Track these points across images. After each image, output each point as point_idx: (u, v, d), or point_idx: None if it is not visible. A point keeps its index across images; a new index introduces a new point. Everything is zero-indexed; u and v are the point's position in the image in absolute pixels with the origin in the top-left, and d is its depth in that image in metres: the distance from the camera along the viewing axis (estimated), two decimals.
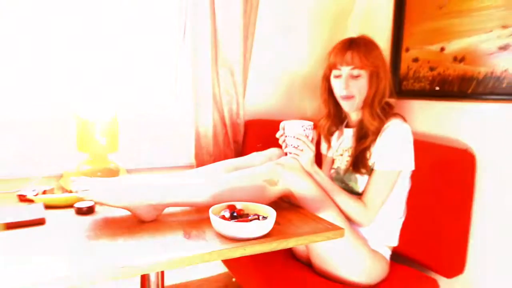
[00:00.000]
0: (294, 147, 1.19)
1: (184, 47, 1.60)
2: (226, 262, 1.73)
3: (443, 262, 1.32)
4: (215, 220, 0.88)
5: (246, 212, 0.97)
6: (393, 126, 1.23)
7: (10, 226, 0.92)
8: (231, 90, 1.59)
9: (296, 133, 1.19)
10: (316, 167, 1.23)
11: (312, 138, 1.21)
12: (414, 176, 1.33)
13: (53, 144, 1.43)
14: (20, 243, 0.83)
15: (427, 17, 1.56)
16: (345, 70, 1.27)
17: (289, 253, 1.42)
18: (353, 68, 1.26)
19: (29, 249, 0.79)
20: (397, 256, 1.38)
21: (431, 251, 1.34)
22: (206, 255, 0.80)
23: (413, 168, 1.25)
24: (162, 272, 0.96)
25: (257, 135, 1.69)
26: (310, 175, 1.18)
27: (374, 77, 1.26)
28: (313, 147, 1.19)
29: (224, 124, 1.63)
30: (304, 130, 1.19)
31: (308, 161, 1.20)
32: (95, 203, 1.00)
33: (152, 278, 0.93)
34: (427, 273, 1.35)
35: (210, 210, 0.91)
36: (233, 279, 1.85)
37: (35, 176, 1.32)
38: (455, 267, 1.31)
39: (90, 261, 0.74)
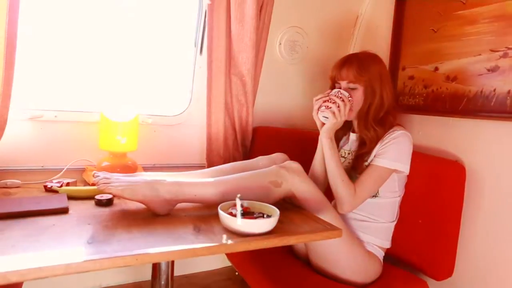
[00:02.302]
0: (329, 109, 1.19)
1: (200, 58, 1.60)
2: (230, 257, 1.71)
3: (434, 265, 1.29)
4: (223, 216, 0.87)
5: (252, 210, 0.95)
6: (396, 132, 1.23)
7: (37, 213, 0.91)
8: (242, 98, 1.58)
9: (343, 95, 1.21)
10: (333, 139, 1.24)
11: (350, 109, 1.22)
12: (409, 183, 1.31)
13: (78, 141, 1.42)
14: (45, 229, 0.82)
15: (423, 39, 1.55)
16: (342, 84, 1.27)
17: (290, 251, 1.40)
18: (349, 82, 1.25)
19: (52, 235, 0.79)
20: (390, 257, 1.35)
21: (423, 255, 1.32)
22: (213, 248, 0.79)
23: (407, 172, 1.23)
24: (172, 262, 0.95)
25: (264, 140, 1.69)
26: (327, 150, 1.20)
27: (369, 91, 1.25)
28: (344, 117, 1.20)
29: (234, 129, 1.62)
30: (349, 98, 1.21)
31: (332, 127, 1.22)
32: (114, 196, 0.99)
33: (163, 267, 0.92)
34: (418, 275, 1.32)
35: (219, 206, 0.90)
36: (236, 273, 1.82)
37: (60, 169, 1.32)
38: (444, 270, 1.28)
39: (107, 249, 0.73)
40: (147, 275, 1.58)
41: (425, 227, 1.32)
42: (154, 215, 0.96)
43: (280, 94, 1.84)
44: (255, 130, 1.71)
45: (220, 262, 1.88)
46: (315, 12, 1.83)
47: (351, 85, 1.25)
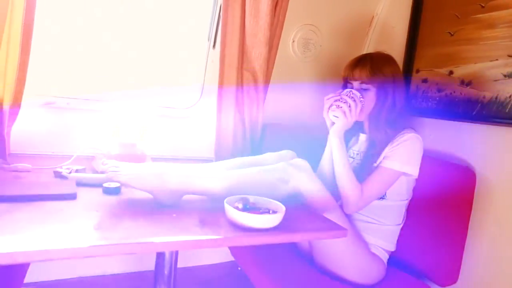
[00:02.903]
0: (340, 108, 1.19)
1: (213, 52, 1.60)
2: (234, 252, 1.71)
3: (438, 270, 1.27)
4: (229, 209, 0.86)
5: (258, 205, 0.95)
6: (407, 135, 1.21)
7: (45, 197, 0.92)
8: (253, 94, 1.58)
9: (355, 95, 1.20)
10: (342, 139, 1.22)
11: (361, 110, 1.21)
12: (417, 187, 1.30)
13: (88, 129, 1.44)
14: (53, 213, 0.82)
15: (439, 42, 1.52)
16: (355, 84, 1.25)
17: (293, 249, 1.39)
18: (361, 83, 1.24)
19: (60, 219, 0.79)
20: (394, 261, 1.33)
21: (427, 259, 1.30)
22: (218, 241, 0.79)
23: (416, 175, 1.22)
24: (176, 253, 0.95)
25: (273, 137, 1.68)
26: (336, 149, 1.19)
27: (382, 92, 1.24)
28: (354, 117, 1.19)
29: (244, 125, 1.61)
30: (360, 99, 1.20)
31: (342, 127, 1.21)
32: (122, 184, 1.00)
33: (167, 257, 0.92)
34: (422, 280, 1.30)
35: (225, 200, 0.89)
36: (239, 268, 1.82)
37: (70, 155, 1.33)
38: (449, 276, 1.26)
39: (113, 235, 0.73)
40: (151, 265, 1.59)
41: (431, 231, 1.31)
42: (160, 206, 0.96)
43: (291, 92, 1.83)
44: (265, 127, 1.71)
45: (223, 256, 1.88)
46: (330, 10, 1.81)
47: (364, 86, 1.24)
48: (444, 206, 1.29)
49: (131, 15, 1.53)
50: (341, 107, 1.19)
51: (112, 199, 0.98)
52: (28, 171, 1.21)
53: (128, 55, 1.55)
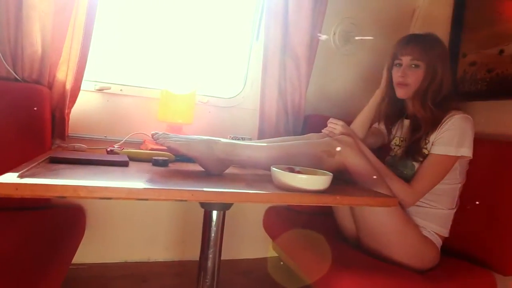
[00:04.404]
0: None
1: (256, 43, 1.64)
2: (275, 246, 1.68)
3: (500, 258, 1.17)
4: (276, 172, 0.85)
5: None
6: (455, 116, 1.16)
7: (101, 163, 0.96)
8: (295, 82, 1.58)
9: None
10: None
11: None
12: (471, 171, 1.22)
13: (139, 115, 1.50)
14: (109, 173, 0.86)
15: (486, 23, 1.48)
16: (405, 60, 1.23)
17: (337, 236, 1.35)
18: (412, 59, 1.21)
19: (116, 176, 0.82)
20: (447, 249, 1.25)
21: (486, 247, 1.20)
22: (267, 196, 0.78)
23: (471, 156, 1.15)
24: (223, 215, 0.94)
25: (315, 128, 1.65)
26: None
27: (430, 71, 1.20)
28: (340, 122, 1.21)
29: (287, 114, 1.62)
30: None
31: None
32: (170, 149, 1.00)
33: (214, 220, 0.92)
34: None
35: (272, 166, 0.89)
36: (281, 263, 1.79)
37: (121, 140, 1.39)
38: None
39: (163, 186, 0.75)
40: (194, 255, 1.60)
41: (488, 217, 1.22)
42: (207, 175, 0.97)
43: (332, 84, 1.82)
44: (307, 118, 1.70)
45: (265, 252, 1.85)
46: (371, 4, 1.81)
47: (414, 62, 1.21)
48: (502, 189, 1.20)
49: (183, 9, 1.61)
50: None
51: (161, 169, 1.01)
52: (83, 151, 1.28)
53: (177, 47, 1.62)
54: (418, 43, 1.22)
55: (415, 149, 1.23)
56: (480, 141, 1.22)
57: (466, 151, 1.14)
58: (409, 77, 1.22)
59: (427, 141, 1.21)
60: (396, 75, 1.26)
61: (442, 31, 1.67)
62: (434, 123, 1.20)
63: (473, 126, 1.17)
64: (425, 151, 1.20)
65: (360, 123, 1.36)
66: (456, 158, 1.15)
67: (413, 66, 1.22)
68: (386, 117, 1.38)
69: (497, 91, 1.41)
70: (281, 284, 1.57)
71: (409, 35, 1.28)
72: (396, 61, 1.26)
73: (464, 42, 1.57)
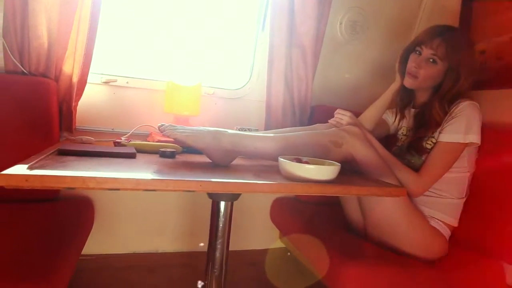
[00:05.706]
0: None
1: (262, 34, 1.63)
2: (283, 237, 1.68)
3: (509, 248, 1.15)
4: (284, 162, 0.85)
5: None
6: (462, 104, 1.15)
7: (109, 154, 0.96)
8: (302, 72, 1.57)
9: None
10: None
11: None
12: (480, 160, 1.21)
13: (145, 107, 1.51)
14: (116, 164, 0.86)
15: (496, 10, 1.44)
16: (426, 51, 1.19)
17: (344, 226, 1.34)
18: (433, 54, 1.18)
19: (124, 167, 0.83)
20: (455, 239, 1.24)
21: (496, 238, 1.19)
22: (274, 186, 0.78)
23: (479, 142, 1.14)
24: (231, 206, 0.95)
25: (321, 119, 1.64)
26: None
27: (453, 73, 1.17)
28: (347, 113, 1.22)
29: (293, 105, 1.61)
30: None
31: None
32: (177, 141, 1.00)
33: (222, 210, 0.92)
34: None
35: (279, 157, 0.88)
36: (288, 253, 1.79)
37: (128, 132, 1.40)
38: None
39: (171, 177, 0.75)
40: (202, 246, 1.61)
41: (497, 207, 1.20)
42: (214, 166, 0.97)
43: (338, 74, 1.80)
44: (313, 108, 1.69)
45: (272, 242, 1.86)
46: None
47: (434, 57, 1.18)
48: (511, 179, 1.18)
49: (187, 2, 1.60)
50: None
51: (168, 161, 1.01)
52: (91, 143, 1.28)
53: (183, 39, 1.61)
54: (448, 41, 1.16)
55: (416, 146, 1.23)
56: (489, 130, 1.20)
57: (474, 138, 1.13)
58: (422, 70, 1.20)
59: (430, 139, 1.20)
60: (411, 63, 1.23)
61: (451, 19, 1.63)
62: (441, 113, 1.18)
63: (480, 113, 1.15)
64: (429, 146, 1.19)
65: (370, 117, 1.34)
66: (465, 145, 1.14)
67: (431, 60, 1.18)
68: (400, 100, 1.36)
69: (506, 80, 1.38)
70: (289, 275, 1.58)
71: (440, 27, 1.21)
72: (417, 48, 1.22)
73: (473, 31, 1.53)
